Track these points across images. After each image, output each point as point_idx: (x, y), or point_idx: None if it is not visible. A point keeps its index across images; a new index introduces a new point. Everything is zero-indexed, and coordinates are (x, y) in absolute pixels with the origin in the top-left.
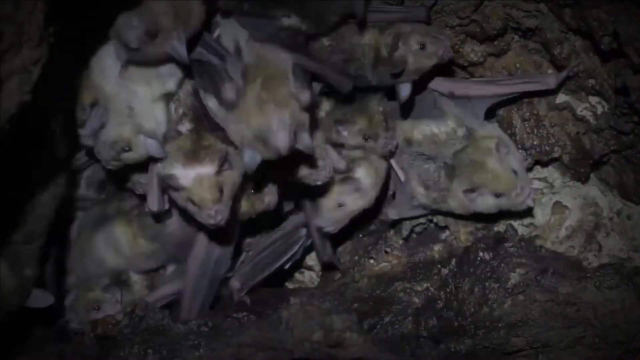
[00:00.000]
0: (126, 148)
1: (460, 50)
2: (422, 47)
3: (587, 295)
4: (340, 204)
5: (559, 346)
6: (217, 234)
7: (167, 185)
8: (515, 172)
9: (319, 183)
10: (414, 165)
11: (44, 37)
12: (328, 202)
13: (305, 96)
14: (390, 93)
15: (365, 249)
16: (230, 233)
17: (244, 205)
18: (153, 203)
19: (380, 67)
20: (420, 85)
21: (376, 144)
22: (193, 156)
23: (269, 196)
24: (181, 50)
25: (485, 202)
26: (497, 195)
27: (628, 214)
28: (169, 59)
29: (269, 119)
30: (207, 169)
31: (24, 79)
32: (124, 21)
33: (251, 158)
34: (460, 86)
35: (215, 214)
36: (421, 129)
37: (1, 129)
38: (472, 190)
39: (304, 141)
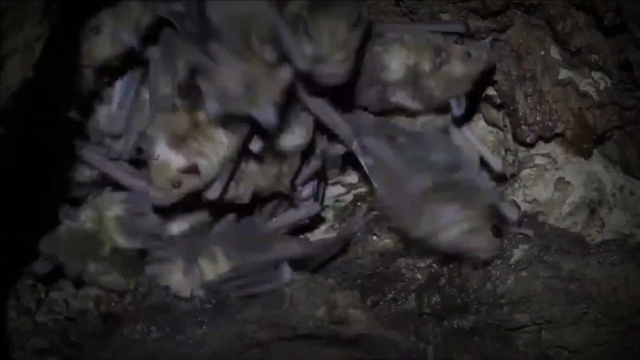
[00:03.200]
0: (95, 30)
1: None
2: (468, 54)
3: (591, 271)
4: None
5: (562, 322)
6: None
7: (137, 146)
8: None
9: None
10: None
11: (47, 14)
12: None
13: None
14: None
15: (368, 225)
16: None
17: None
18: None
19: (422, 83)
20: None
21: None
22: (178, 142)
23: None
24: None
25: None
26: None
27: (631, 189)
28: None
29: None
30: (178, 162)
31: (27, 55)
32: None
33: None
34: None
35: (156, 200)
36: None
37: (4, 106)
38: None
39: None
